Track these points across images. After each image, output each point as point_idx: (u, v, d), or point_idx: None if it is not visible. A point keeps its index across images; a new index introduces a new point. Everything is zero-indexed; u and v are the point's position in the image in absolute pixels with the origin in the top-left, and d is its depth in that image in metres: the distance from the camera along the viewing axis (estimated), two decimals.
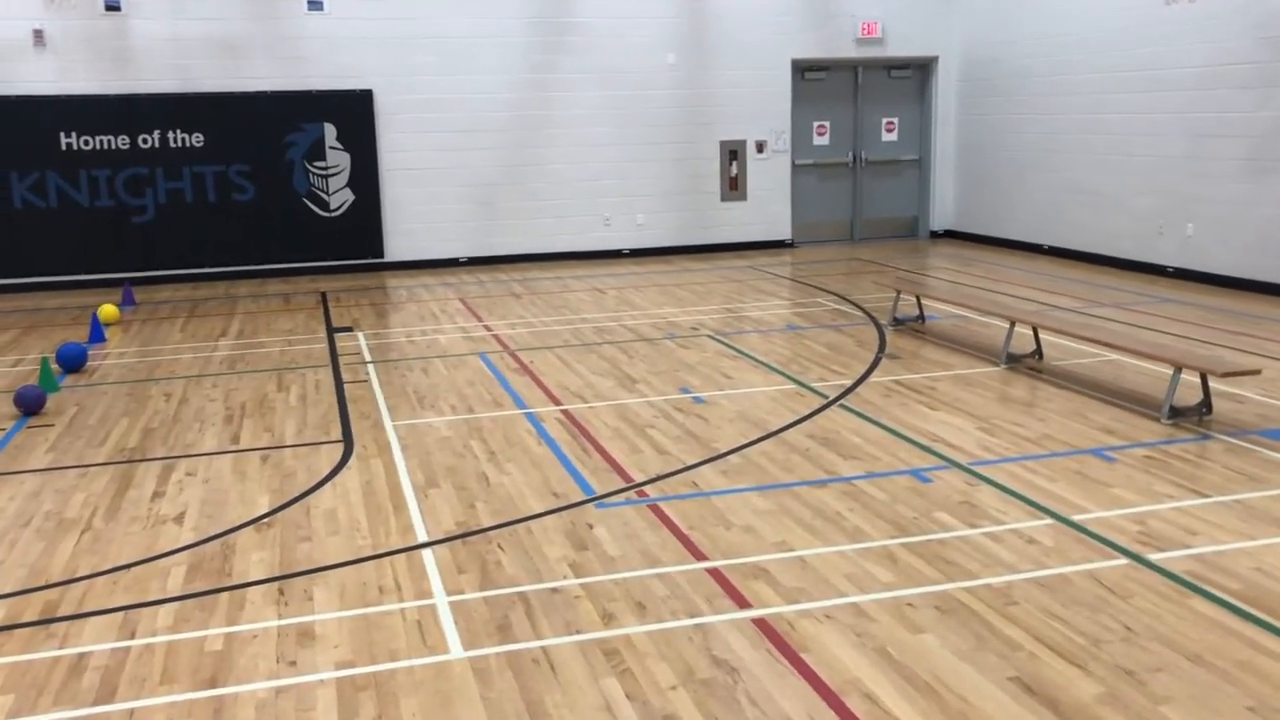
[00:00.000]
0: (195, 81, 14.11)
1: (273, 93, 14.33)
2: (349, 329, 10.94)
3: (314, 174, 14.62)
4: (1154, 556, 5.02)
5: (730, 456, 6.64)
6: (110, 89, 13.85)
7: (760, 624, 4.46)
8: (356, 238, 14.88)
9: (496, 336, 10.39)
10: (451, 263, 15.25)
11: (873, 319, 10.73)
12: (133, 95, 13.91)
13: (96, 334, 10.64)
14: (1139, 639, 4.26)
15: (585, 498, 5.98)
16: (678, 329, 10.51)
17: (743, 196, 16.30)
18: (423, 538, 5.46)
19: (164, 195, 14.20)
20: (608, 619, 4.53)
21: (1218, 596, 4.61)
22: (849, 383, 8.31)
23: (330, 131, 14.59)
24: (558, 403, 7.96)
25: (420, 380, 8.74)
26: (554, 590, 4.82)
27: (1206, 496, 5.77)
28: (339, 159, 14.68)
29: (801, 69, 16.37)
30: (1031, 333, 8.96)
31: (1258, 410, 7.32)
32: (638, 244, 15.92)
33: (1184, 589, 4.69)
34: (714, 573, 4.97)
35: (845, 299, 11.94)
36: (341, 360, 9.51)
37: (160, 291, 13.64)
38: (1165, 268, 12.95)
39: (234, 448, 7.08)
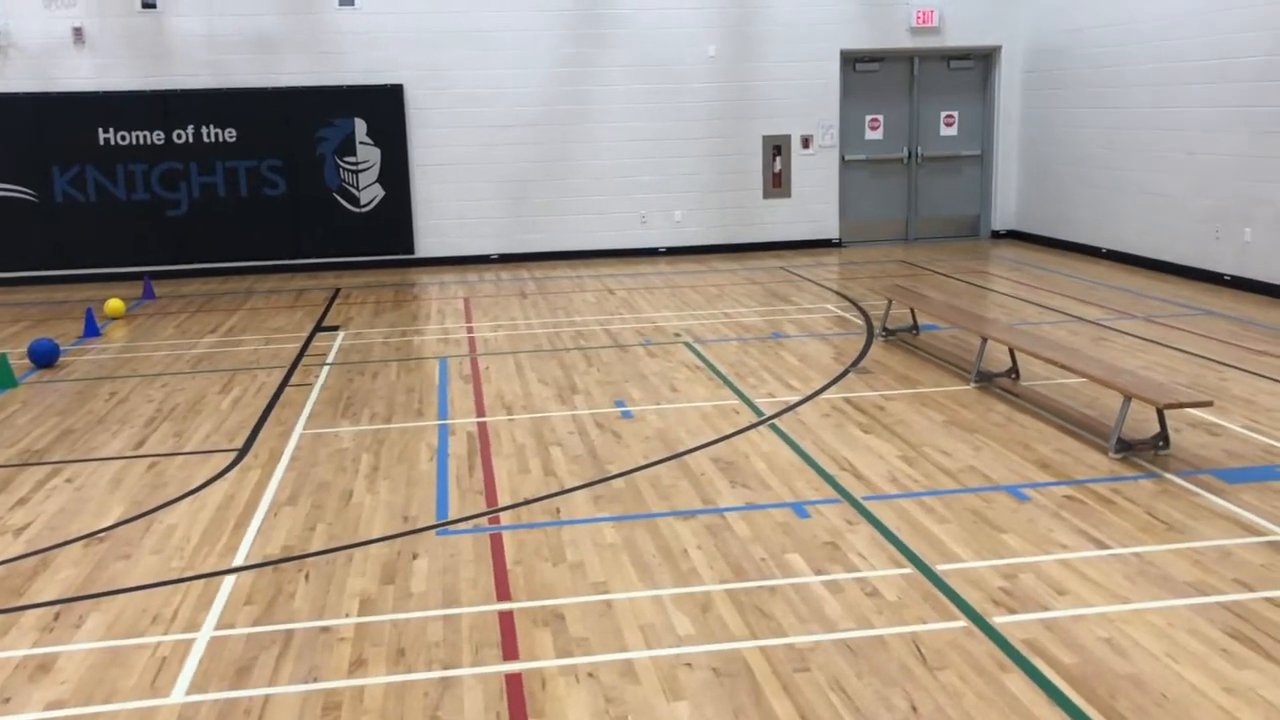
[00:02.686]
0: (229, 77, 14.25)
1: (304, 88, 14.38)
2: (335, 328, 10.83)
3: (344, 169, 14.63)
4: (999, 619, 4.43)
5: (615, 480, 6.22)
6: (147, 85, 14.10)
7: (512, 680, 4.07)
8: (387, 234, 14.83)
9: (472, 339, 10.14)
10: (483, 259, 15.07)
11: (871, 328, 10.09)
12: (168, 91, 14.13)
13: (91, 329, 10.77)
14: None
15: (432, 523, 5.65)
16: (662, 334, 10.08)
17: (787, 194, 15.69)
18: (238, 562, 5.22)
19: (198, 189, 14.39)
20: (356, 666, 4.20)
21: (1040, 673, 4.01)
22: (796, 399, 7.77)
23: (361, 126, 14.57)
24: (481, 414, 7.65)
25: (362, 385, 8.54)
26: (324, 629, 4.51)
27: (1105, 548, 5.11)
28: (369, 154, 14.65)
29: (852, 60, 15.65)
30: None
31: (1228, 446, 6.53)
32: (675, 242, 15.47)
33: (1009, 661, 4.11)
34: (505, 616, 4.59)
35: (856, 305, 11.30)
36: (303, 361, 9.39)
37: (187, 285, 13.83)
38: (1222, 275, 11.89)
39: (132, 453, 6.98)
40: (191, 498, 6.12)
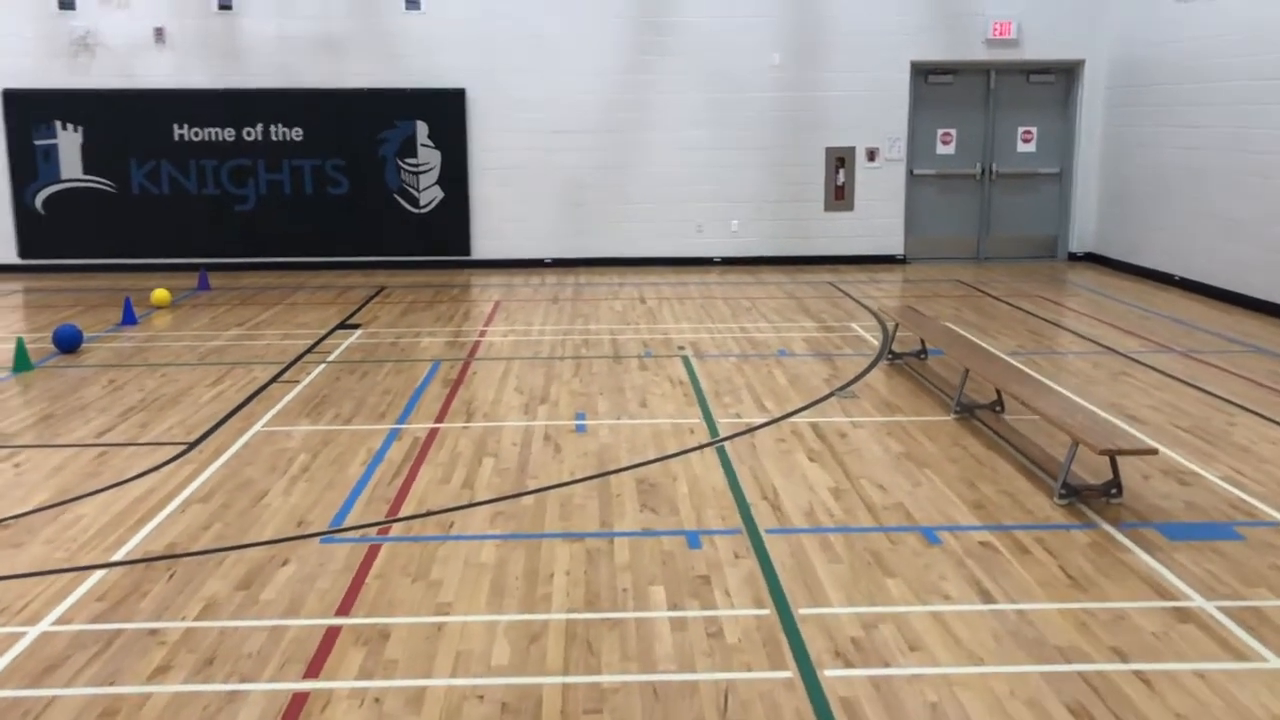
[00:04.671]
0: (297, 77, 14.61)
1: (369, 90, 14.64)
2: (356, 326, 10.97)
3: (405, 171, 14.84)
4: (830, 673, 4.16)
5: (527, 497, 6.10)
6: (220, 84, 14.56)
7: (298, 700, 4.01)
8: (444, 235, 14.99)
9: (477, 344, 10.14)
10: (537, 264, 15.10)
11: (886, 350, 9.71)
12: (239, 90, 14.57)
13: (128, 317, 11.15)
14: None
15: (323, 530, 5.63)
16: (667, 347, 9.89)
17: (849, 207, 15.27)
18: (118, 557, 5.29)
19: (264, 186, 14.80)
20: (158, 673, 4.19)
21: None
22: (761, 421, 7.50)
23: (422, 129, 14.76)
24: (439, 420, 7.61)
25: (346, 385, 8.61)
26: (152, 633, 4.52)
27: (991, 602, 4.76)
28: (430, 156, 14.83)
29: (924, 72, 15.14)
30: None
31: (1194, 497, 6.03)
32: (731, 252, 15.22)
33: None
34: (332, 632, 4.52)
35: (883, 325, 10.89)
36: (305, 358, 9.52)
37: (245, 278, 14.22)
38: None
39: (92, 441, 7.17)
40: (117, 489, 6.24)
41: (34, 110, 14.38)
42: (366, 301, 12.48)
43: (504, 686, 4.09)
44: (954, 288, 13.40)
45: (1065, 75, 15.33)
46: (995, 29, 14.80)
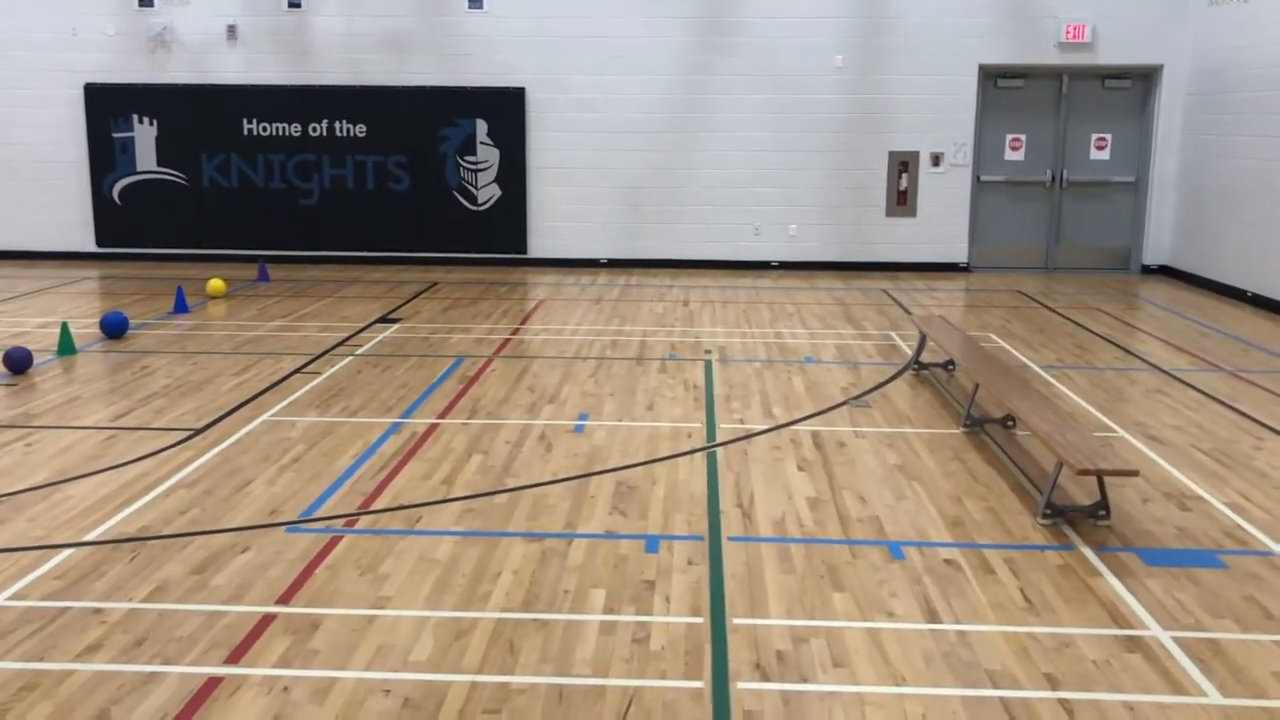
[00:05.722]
0: (362, 75, 14.90)
1: (431, 88, 14.85)
2: (394, 321, 11.13)
3: (464, 168, 15.02)
4: (743, 685, 4.09)
5: (501, 495, 6.11)
6: (288, 80, 14.93)
7: (210, 684, 4.08)
8: (501, 233, 15.13)
9: (508, 341, 10.20)
10: (592, 264, 15.14)
11: (916, 362, 9.50)
12: (307, 86, 14.91)
13: (180, 305, 11.50)
14: None
15: (292, 519, 5.72)
16: (694, 351, 9.83)
17: (912, 213, 14.97)
18: (91, 537, 5.45)
19: (329, 181, 15.12)
20: (89, 651, 4.31)
21: None
22: (762, 428, 7.40)
23: (482, 127, 14.92)
24: (443, 416, 7.68)
25: (367, 378, 8.74)
26: (96, 612, 4.64)
27: (936, 622, 4.62)
28: (488, 155, 14.98)
29: (993, 75, 14.77)
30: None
31: (1188, 523, 5.77)
32: (789, 256, 15.05)
33: None
34: (266, 619, 4.59)
35: (923, 334, 10.64)
36: (335, 351, 9.69)
37: (305, 271, 14.54)
38: None
39: (107, 424, 7.40)
40: (112, 472, 6.43)
41: (113, 104, 14.93)
42: (414, 297, 12.65)
43: (413, 682, 4.10)
44: (1012, 298, 13.04)
45: (1143, 81, 14.80)
46: (1069, 32, 14.37)
